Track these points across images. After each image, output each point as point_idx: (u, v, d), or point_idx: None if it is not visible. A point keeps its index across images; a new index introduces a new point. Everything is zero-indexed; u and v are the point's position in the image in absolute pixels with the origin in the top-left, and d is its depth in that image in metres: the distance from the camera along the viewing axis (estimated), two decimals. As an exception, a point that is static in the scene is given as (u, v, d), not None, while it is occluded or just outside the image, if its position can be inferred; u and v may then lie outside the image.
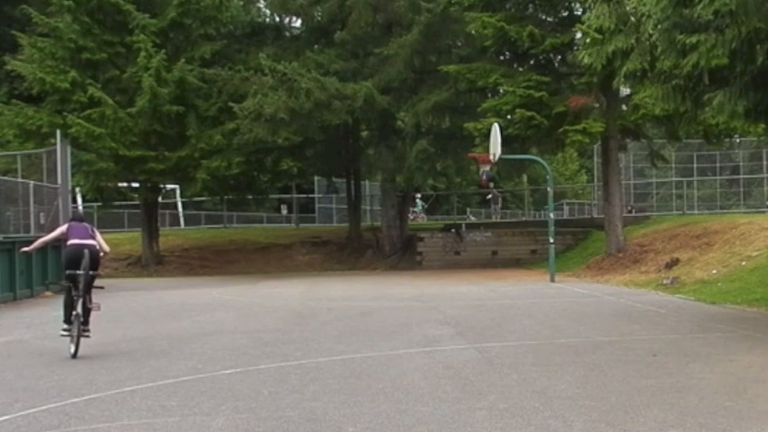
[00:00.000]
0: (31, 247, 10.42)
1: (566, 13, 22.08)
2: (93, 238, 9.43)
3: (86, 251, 9.14)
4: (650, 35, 11.90)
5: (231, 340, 10.18)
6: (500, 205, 38.78)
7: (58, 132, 20.57)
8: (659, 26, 11.08)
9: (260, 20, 29.78)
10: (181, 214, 36.20)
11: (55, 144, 20.25)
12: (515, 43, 20.97)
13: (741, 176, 33.49)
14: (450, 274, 22.67)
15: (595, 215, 29.58)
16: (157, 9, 25.23)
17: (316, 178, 34.67)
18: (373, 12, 24.58)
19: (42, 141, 22.67)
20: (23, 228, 18.59)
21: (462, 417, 5.92)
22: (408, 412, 6.09)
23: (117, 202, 28.59)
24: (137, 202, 27.90)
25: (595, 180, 33.91)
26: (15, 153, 21.89)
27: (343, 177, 30.60)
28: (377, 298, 15.81)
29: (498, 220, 35.13)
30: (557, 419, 5.79)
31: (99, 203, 27.38)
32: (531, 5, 22.46)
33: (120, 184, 26.90)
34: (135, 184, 26.67)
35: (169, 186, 31.31)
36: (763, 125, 14.05)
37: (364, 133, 28.24)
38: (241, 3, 29.27)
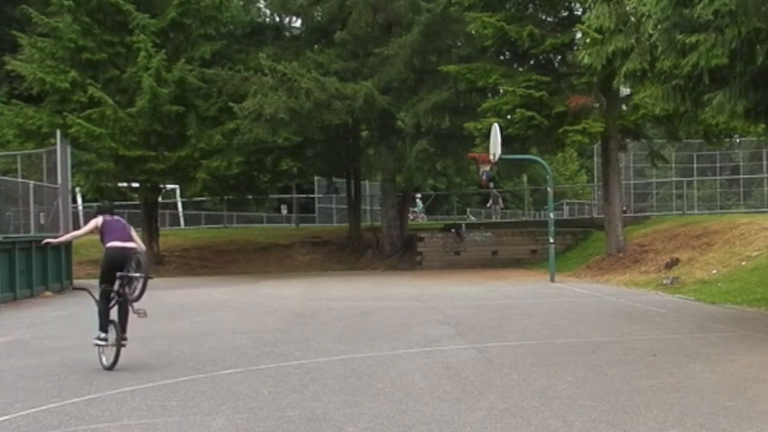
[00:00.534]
0: (58, 240, 10.07)
1: (566, 13, 22.08)
2: (132, 238, 8.61)
3: (138, 257, 8.27)
4: (650, 35, 11.90)
5: (231, 340, 10.18)
6: (501, 205, 38.75)
7: (58, 132, 20.58)
8: (659, 26, 11.07)
9: (260, 20, 29.78)
10: (181, 214, 36.22)
11: (55, 144, 20.25)
12: (515, 43, 20.98)
13: (741, 176, 33.40)
14: (450, 274, 22.66)
15: (595, 215, 29.56)
16: (157, 9, 25.21)
17: (316, 178, 34.64)
18: (373, 12, 24.57)
19: (42, 141, 22.64)
20: (23, 228, 18.58)
21: (462, 417, 5.92)
22: (408, 412, 6.09)
23: (117, 202, 28.54)
24: (137, 202, 27.91)
25: (595, 180, 33.88)
26: (15, 153, 21.89)
27: (343, 177, 30.59)
28: (377, 298, 15.81)
29: (498, 220, 35.12)
30: (557, 419, 5.79)
31: (99, 203, 27.31)
32: (531, 5, 22.46)
33: (120, 184, 26.86)
34: (135, 184, 26.63)
35: (169, 186, 31.29)
36: (762, 125, 14.05)
37: (364, 133, 28.22)
38: (241, 3, 29.25)
